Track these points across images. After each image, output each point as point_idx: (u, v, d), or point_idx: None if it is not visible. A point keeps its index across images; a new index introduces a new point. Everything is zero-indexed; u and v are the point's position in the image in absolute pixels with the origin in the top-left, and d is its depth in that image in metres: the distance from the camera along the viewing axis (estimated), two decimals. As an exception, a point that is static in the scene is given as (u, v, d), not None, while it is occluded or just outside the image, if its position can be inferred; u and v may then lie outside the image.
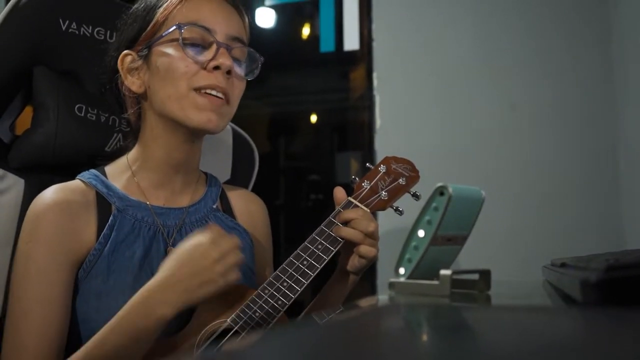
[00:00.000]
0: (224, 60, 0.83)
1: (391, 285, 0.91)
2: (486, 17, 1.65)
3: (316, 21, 1.88)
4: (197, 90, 0.82)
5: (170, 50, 0.84)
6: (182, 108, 0.83)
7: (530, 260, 1.12)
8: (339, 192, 0.89)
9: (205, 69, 0.83)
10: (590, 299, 0.48)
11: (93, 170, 0.90)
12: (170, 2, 0.85)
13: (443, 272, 0.84)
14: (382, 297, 0.96)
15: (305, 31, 1.94)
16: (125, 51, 0.88)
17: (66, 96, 0.98)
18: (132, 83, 0.88)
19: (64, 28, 0.98)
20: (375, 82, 1.72)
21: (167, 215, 0.89)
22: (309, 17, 1.92)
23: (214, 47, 0.84)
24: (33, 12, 0.95)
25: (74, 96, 0.99)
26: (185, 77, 0.82)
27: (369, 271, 1.67)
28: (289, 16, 1.96)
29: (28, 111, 1.02)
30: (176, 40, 0.83)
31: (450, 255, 0.97)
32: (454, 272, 0.84)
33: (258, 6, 1.93)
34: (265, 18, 1.94)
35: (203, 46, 0.84)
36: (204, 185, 0.97)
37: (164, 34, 0.84)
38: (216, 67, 0.83)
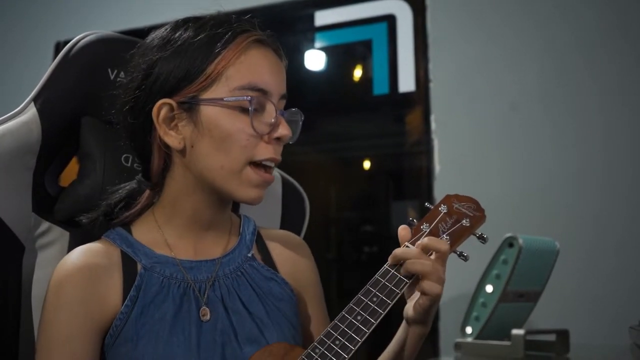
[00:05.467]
0: (286, 132, 0.84)
1: (457, 346, 0.90)
2: (551, 55, 1.65)
3: (369, 62, 1.91)
4: (253, 163, 0.83)
5: (229, 115, 0.83)
6: (232, 182, 0.83)
7: (614, 319, 1.09)
8: (404, 231, 0.85)
9: (264, 139, 0.84)
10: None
11: (119, 229, 0.91)
12: (226, 54, 0.83)
13: (515, 331, 0.82)
14: (447, 359, 0.95)
15: (357, 73, 1.98)
16: (163, 100, 0.84)
17: (113, 146, 1.03)
18: (170, 138, 0.85)
19: (112, 77, 1.05)
20: (433, 125, 1.73)
21: (198, 269, 0.88)
22: (361, 59, 1.97)
23: (272, 112, 0.84)
24: (83, 63, 1.02)
25: (121, 146, 1.04)
26: (245, 150, 0.83)
27: (430, 330, 1.64)
28: (340, 58, 2.01)
29: (73, 163, 1.07)
30: (238, 107, 0.82)
31: (522, 313, 0.95)
32: (528, 332, 0.83)
33: (308, 48, 1.99)
34: (316, 61, 2.00)
35: (256, 108, 0.84)
36: (238, 232, 0.95)
37: (225, 99, 0.82)
38: (276, 138, 0.84)
